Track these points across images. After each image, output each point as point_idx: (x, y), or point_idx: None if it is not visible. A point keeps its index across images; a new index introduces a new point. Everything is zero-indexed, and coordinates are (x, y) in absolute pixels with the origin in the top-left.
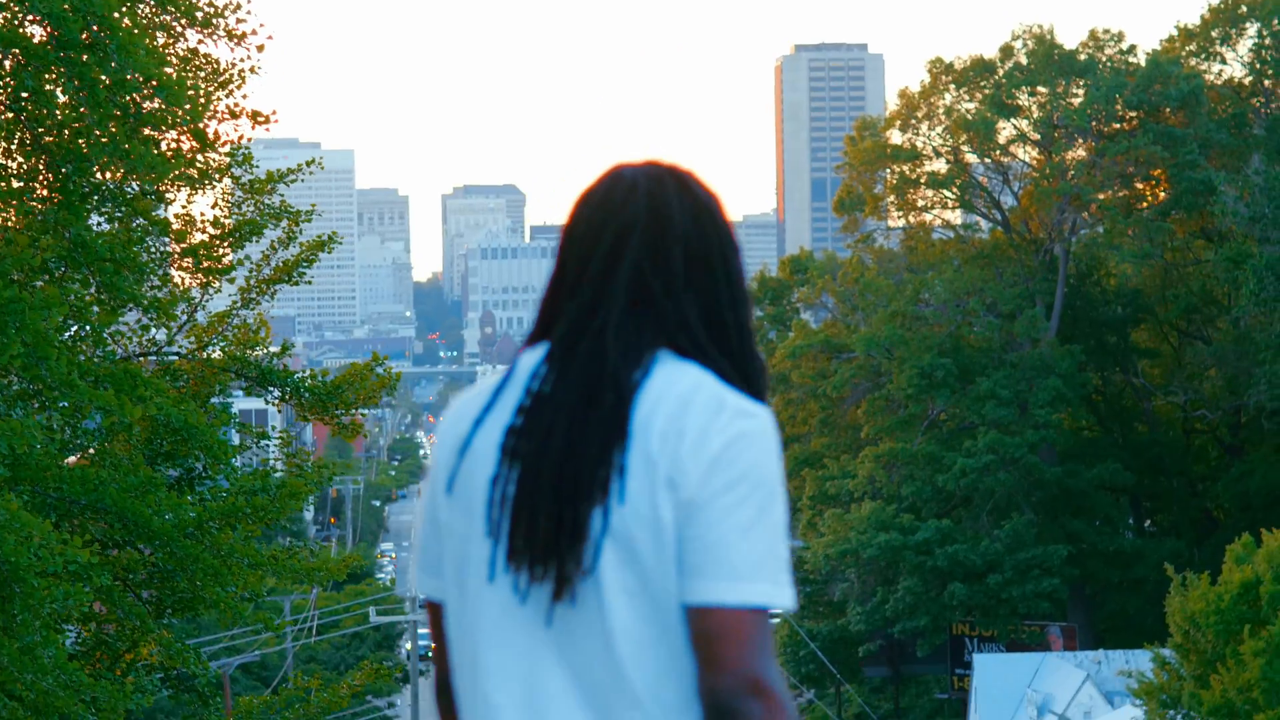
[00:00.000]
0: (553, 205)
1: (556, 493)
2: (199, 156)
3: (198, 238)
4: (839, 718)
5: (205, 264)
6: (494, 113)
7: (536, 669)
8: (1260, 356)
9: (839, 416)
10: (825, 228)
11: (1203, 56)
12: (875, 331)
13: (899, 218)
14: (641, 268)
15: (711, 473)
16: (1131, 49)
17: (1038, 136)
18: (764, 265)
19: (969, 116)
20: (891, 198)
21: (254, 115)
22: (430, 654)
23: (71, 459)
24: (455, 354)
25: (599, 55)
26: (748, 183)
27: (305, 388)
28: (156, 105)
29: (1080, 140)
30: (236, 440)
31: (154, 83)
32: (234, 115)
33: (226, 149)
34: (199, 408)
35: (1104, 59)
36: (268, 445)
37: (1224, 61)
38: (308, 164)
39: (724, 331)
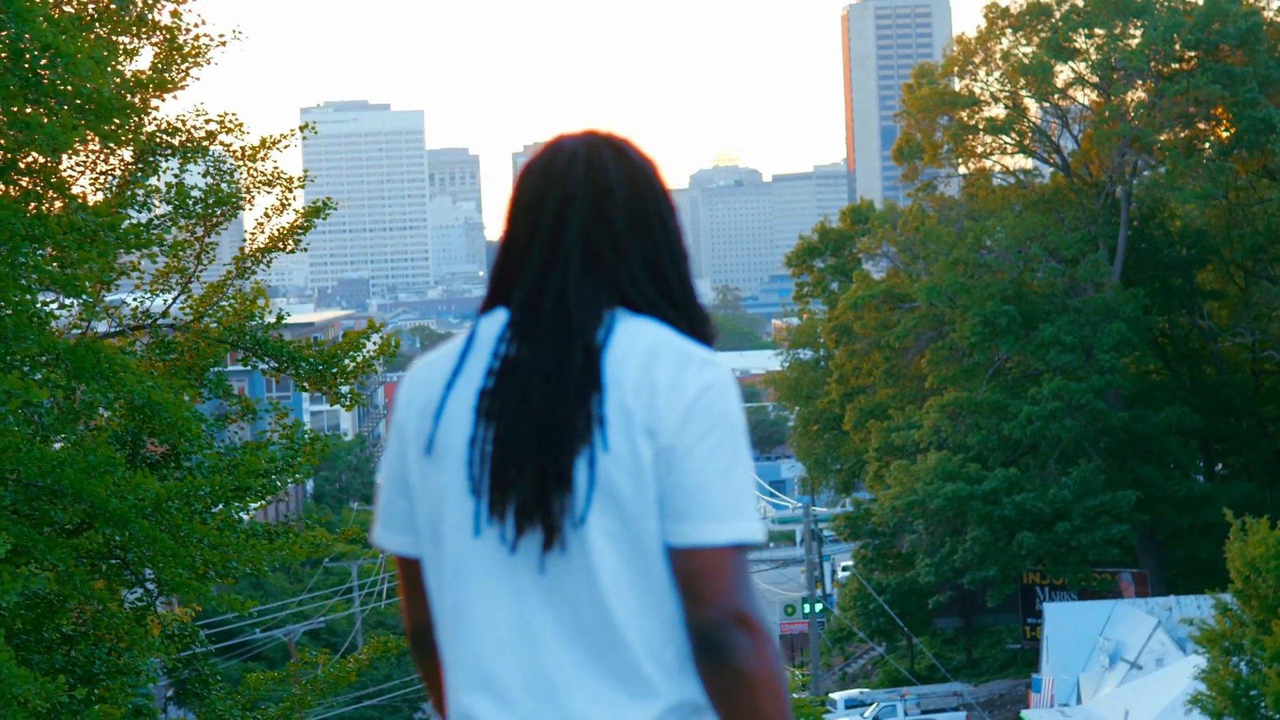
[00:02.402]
0: None
1: (540, 447)
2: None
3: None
4: (911, 671)
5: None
6: (563, 69)
7: (525, 615)
8: None
9: (903, 367)
10: (895, 176)
11: None
12: (937, 280)
13: (959, 165)
14: (587, 231)
15: (687, 421)
16: None
17: (1096, 79)
18: (825, 216)
19: (1026, 61)
20: (950, 144)
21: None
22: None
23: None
24: None
25: (669, 9)
26: (816, 133)
27: (302, 358)
28: (60, 75)
29: (1139, 81)
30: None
31: (51, 51)
32: (158, 85)
33: (209, 117)
34: (193, 381)
35: None
36: (264, 420)
37: None
38: (301, 129)
39: (668, 286)
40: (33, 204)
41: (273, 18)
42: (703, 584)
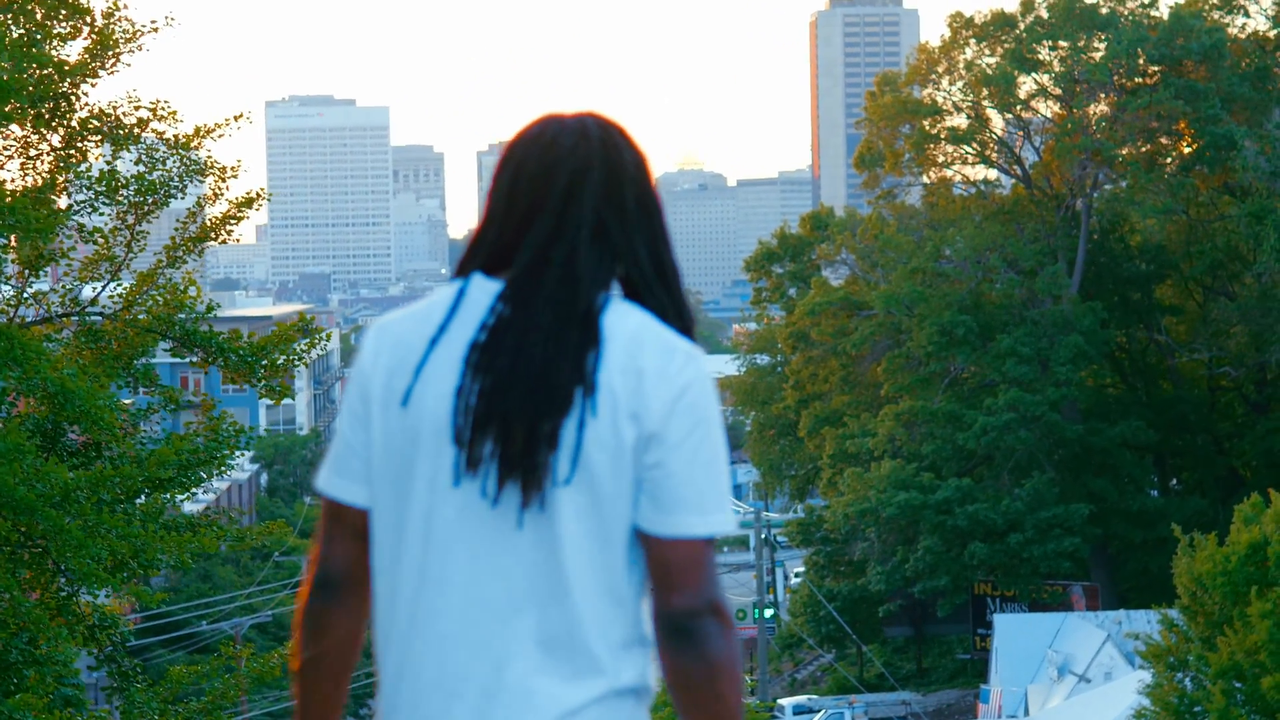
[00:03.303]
0: None
1: (531, 402)
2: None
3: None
4: (860, 678)
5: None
6: (528, 70)
7: (486, 576)
8: None
9: (859, 374)
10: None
11: (1225, 9)
12: (895, 288)
13: (919, 174)
14: (599, 204)
15: (674, 413)
16: (1153, 2)
17: (1059, 91)
18: (784, 222)
19: (989, 71)
20: (912, 153)
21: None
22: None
23: None
24: None
25: (633, 10)
26: (782, 139)
27: (230, 349)
28: None
29: (1102, 95)
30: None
31: None
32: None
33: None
34: (120, 370)
35: (1125, 12)
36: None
37: (1247, 14)
38: (236, 118)
39: (664, 270)
40: None
41: (239, 11)
42: (681, 574)
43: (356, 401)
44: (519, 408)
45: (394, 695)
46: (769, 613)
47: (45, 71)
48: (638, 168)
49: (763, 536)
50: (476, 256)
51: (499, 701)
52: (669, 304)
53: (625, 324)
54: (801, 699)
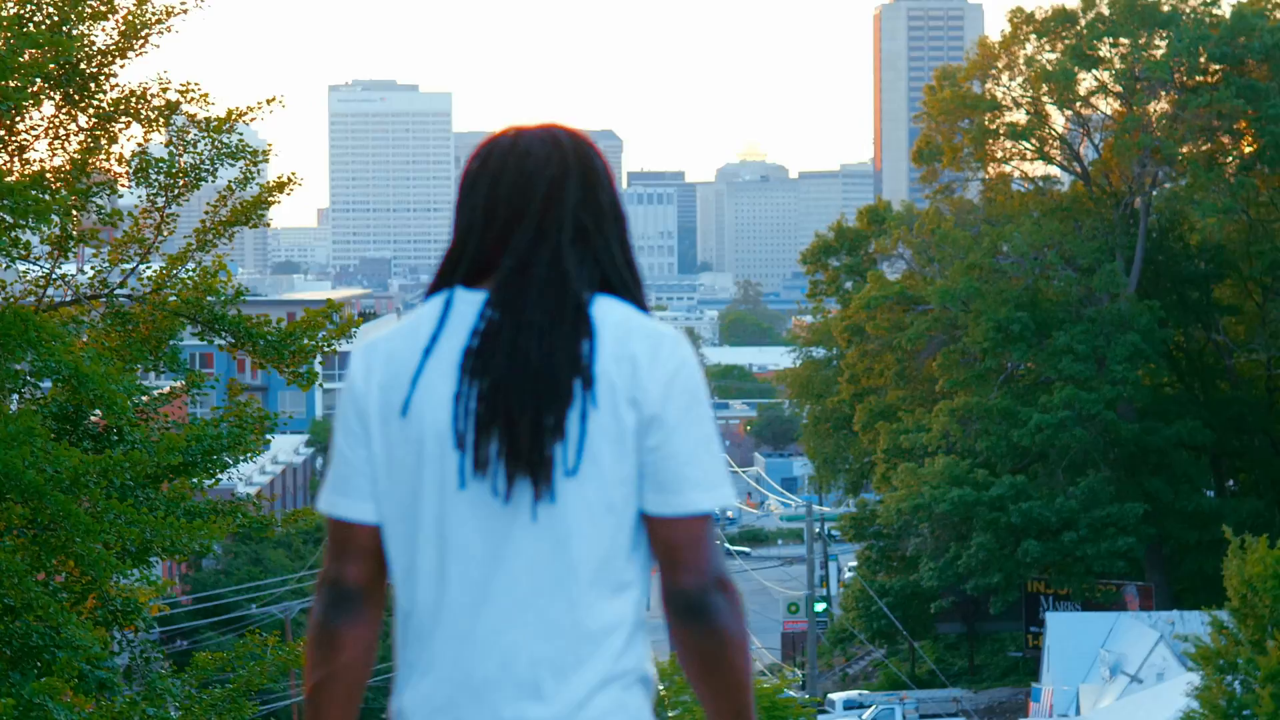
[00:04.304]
0: (650, 151)
1: (533, 398)
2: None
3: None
4: (912, 675)
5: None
6: (592, 56)
7: (499, 564)
8: None
9: (914, 369)
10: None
11: None
12: (952, 284)
13: (977, 169)
14: (578, 209)
15: (669, 395)
16: (1215, 0)
17: (1119, 88)
18: (841, 215)
19: (1049, 67)
20: (970, 148)
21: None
22: (327, 570)
23: None
24: None
25: (701, 1)
26: (844, 132)
27: (259, 334)
28: None
29: (1162, 92)
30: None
31: None
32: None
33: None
34: (148, 353)
35: (1187, 10)
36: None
37: None
38: (268, 101)
39: (633, 269)
40: None
41: None
42: (688, 551)
43: (353, 420)
44: (521, 404)
45: (414, 694)
46: (820, 607)
47: (68, 53)
48: (607, 174)
49: (816, 531)
50: (456, 271)
51: (515, 693)
52: (638, 300)
53: (611, 315)
54: (852, 694)
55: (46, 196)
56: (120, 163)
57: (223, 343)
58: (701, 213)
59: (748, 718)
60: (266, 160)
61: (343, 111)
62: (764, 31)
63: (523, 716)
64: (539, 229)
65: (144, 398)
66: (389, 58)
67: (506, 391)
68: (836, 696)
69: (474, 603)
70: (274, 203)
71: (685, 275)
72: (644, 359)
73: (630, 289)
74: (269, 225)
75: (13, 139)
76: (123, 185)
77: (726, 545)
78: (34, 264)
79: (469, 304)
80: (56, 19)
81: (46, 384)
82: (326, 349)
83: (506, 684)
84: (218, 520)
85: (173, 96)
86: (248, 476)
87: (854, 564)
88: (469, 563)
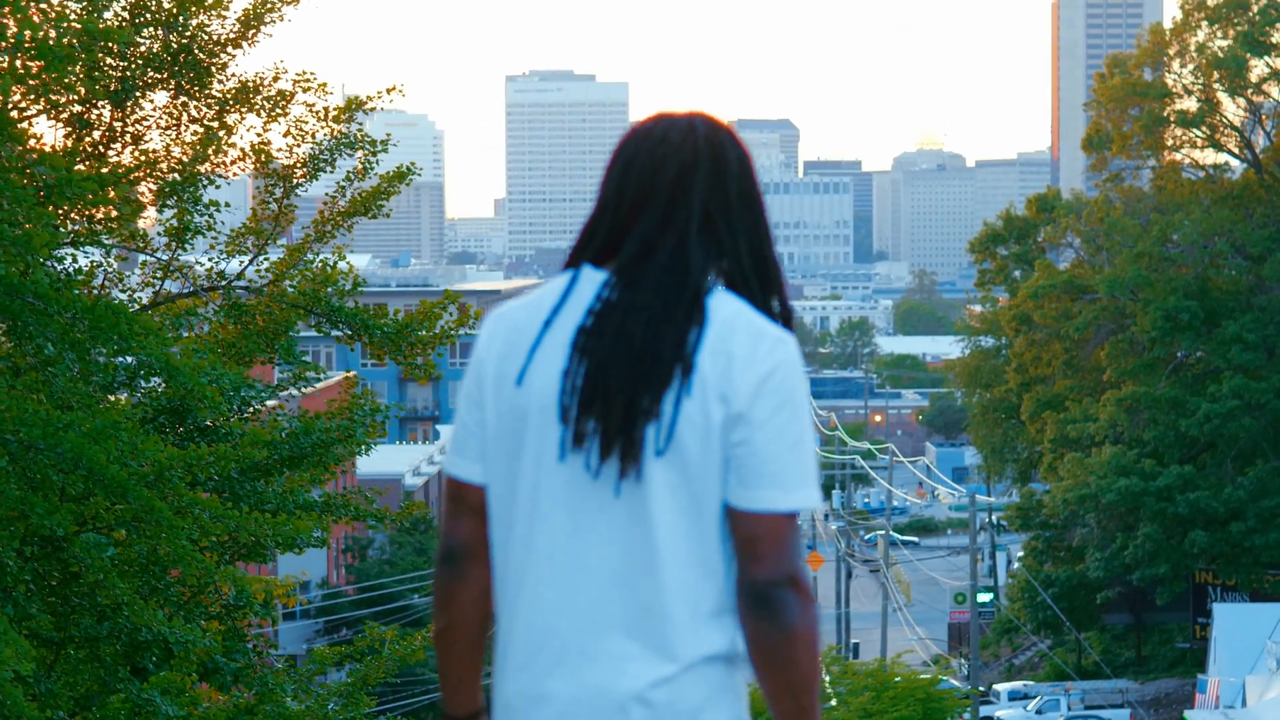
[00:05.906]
0: (826, 140)
1: (631, 380)
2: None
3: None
4: (1078, 666)
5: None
6: (769, 45)
7: (585, 539)
8: None
9: (1082, 358)
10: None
11: None
12: (1120, 273)
13: (1147, 157)
14: (706, 198)
15: (760, 393)
16: None
17: None
18: (1010, 203)
19: (1221, 54)
20: (1140, 136)
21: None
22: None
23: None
24: None
25: None
26: (1022, 120)
27: (376, 326)
28: None
29: None
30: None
31: None
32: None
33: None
34: (265, 345)
35: None
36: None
37: None
38: (388, 90)
39: (764, 263)
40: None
41: None
42: (764, 546)
43: (472, 385)
44: (619, 383)
45: (502, 660)
46: (987, 597)
47: (183, 41)
48: (741, 165)
49: (981, 519)
50: (588, 247)
51: (594, 667)
52: (763, 296)
53: (720, 311)
54: (1018, 685)
55: (108, 189)
56: (242, 156)
57: (339, 334)
58: (878, 201)
59: (810, 718)
60: (385, 150)
61: (519, 102)
62: (943, 20)
63: (606, 687)
64: (665, 215)
65: (251, 391)
66: (566, 48)
67: (607, 370)
68: (1002, 687)
69: (558, 575)
70: (394, 193)
71: (861, 264)
72: (740, 356)
73: (750, 284)
74: (388, 216)
75: (126, 128)
76: (233, 176)
77: (894, 535)
78: (151, 255)
79: (591, 282)
80: (173, 9)
81: (156, 380)
82: (445, 340)
83: (594, 657)
84: (330, 515)
85: (286, 86)
86: (415, 467)
87: (1021, 554)
88: (555, 534)
